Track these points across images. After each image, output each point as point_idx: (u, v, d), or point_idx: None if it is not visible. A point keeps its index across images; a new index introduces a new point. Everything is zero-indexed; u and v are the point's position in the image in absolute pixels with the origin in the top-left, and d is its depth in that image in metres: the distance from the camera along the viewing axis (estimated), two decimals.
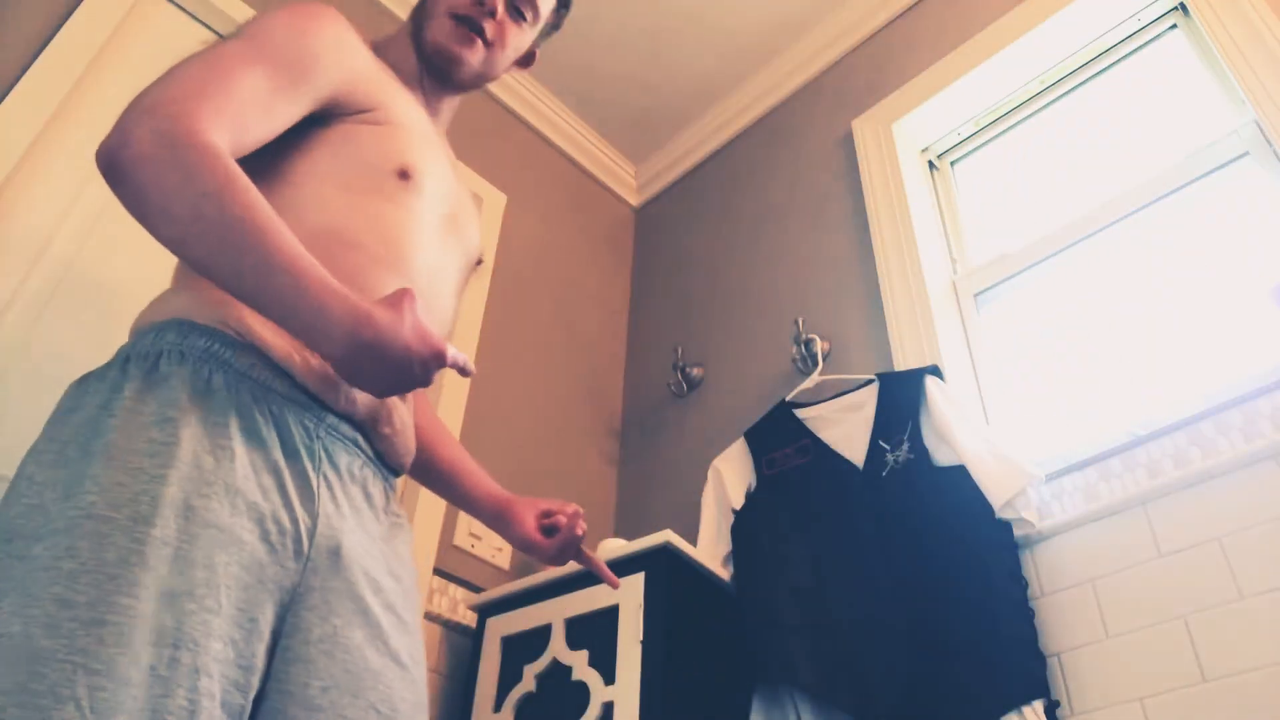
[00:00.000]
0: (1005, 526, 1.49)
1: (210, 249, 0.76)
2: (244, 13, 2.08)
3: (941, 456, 1.61)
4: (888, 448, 1.67)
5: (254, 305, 0.78)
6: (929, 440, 1.64)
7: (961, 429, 1.61)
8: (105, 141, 0.79)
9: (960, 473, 1.56)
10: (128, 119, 0.79)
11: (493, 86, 2.71)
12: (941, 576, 1.46)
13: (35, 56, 1.68)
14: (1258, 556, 1.28)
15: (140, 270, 1.70)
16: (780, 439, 1.85)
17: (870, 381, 1.81)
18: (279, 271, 0.76)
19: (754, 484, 1.84)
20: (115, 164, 0.78)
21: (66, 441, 0.77)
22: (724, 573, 1.67)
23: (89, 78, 1.77)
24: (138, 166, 0.77)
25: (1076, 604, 1.42)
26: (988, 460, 1.55)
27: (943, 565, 1.47)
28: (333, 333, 0.76)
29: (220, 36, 2.07)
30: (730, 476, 1.89)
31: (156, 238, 0.79)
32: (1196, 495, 1.37)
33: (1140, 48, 2.04)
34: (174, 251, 0.81)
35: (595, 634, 1.53)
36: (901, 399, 1.72)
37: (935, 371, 1.74)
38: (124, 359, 0.83)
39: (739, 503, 1.83)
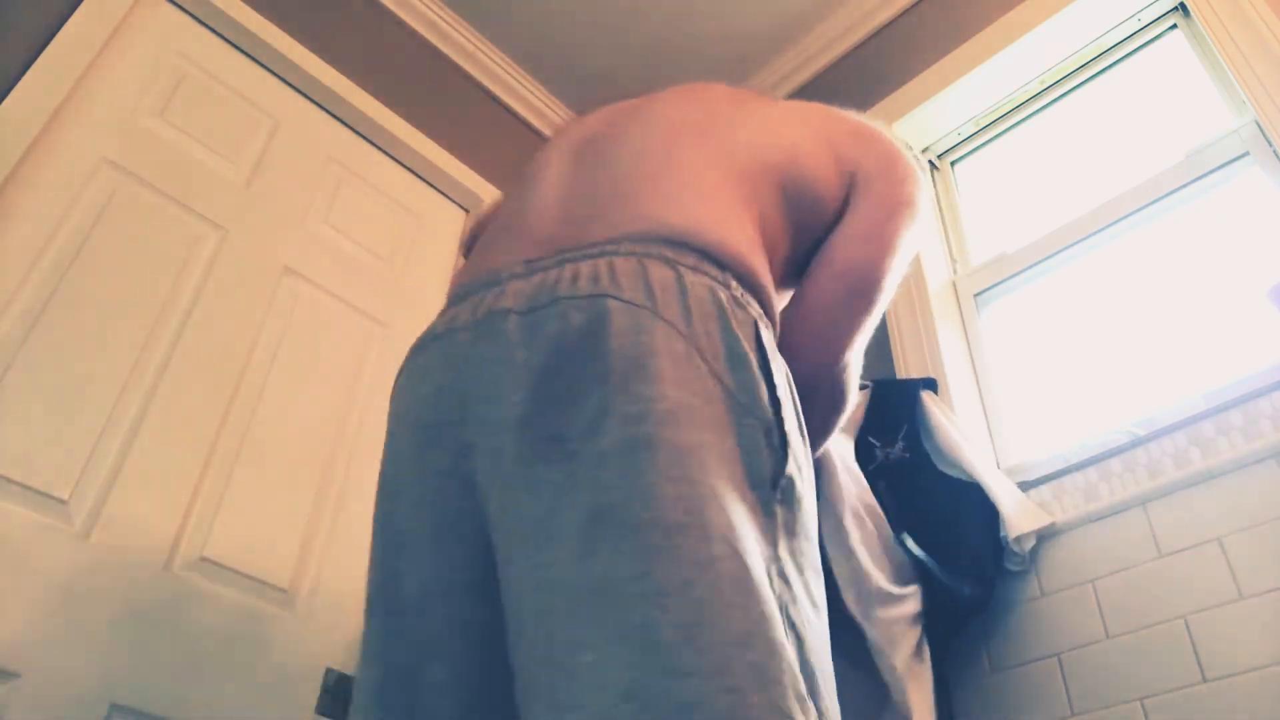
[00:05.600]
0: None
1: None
2: (244, 13, 2.08)
3: (946, 468, 1.60)
4: (877, 444, 1.66)
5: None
6: (930, 448, 1.63)
7: (975, 454, 1.59)
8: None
9: (970, 487, 1.55)
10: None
11: (494, 87, 2.71)
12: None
13: (35, 56, 1.68)
14: (1258, 556, 1.27)
15: (139, 270, 1.70)
16: None
17: (864, 387, 1.80)
18: None
19: None
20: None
21: None
22: None
23: (89, 78, 1.77)
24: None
25: (1076, 604, 1.41)
26: (1008, 490, 1.54)
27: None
28: None
29: (222, 38, 2.07)
30: None
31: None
32: (1196, 495, 1.37)
33: (1140, 48, 2.04)
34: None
35: None
36: (896, 404, 1.71)
37: (931, 385, 1.73)
38: None
39: None
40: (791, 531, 0.70)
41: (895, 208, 1.00)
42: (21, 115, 1.60)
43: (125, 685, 1.39)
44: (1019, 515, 1.49)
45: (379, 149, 2.31)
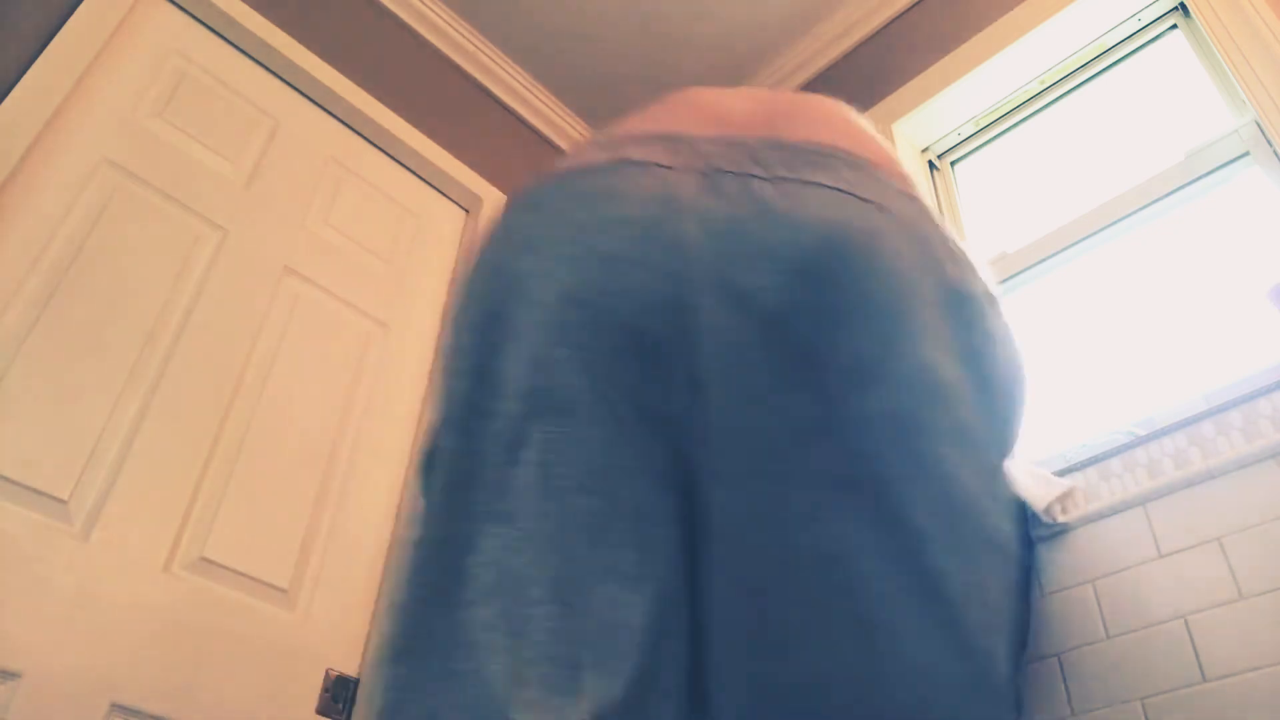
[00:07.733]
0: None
1: None
2: (244, 13, 2.08)
3: None
4: None
5: None
6: None
7: None
8: None
9: None
10: None
11: (494, 87, 2.71)
12: None
13: (35, 56, 1.68)
14: (1258, 556, 1.27)
15: (140, 270, 1.71)
16: None
17: None
18: None
19: None
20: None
21: None
22: None
23: (89, 78, 1.77)
24: None
25: (1076, 604, 1.41)
26: (1021, 468, 1.54)
27: None
28: None
29: (222, 38, 2.07)
30: None
31: None
32: (1196, 495, 1.37)
33: (1140, 48, 2.04)
34: None
35: None
36: None
37: None
38: None
39: None
40: None
41: None
42: (21, 115, 1.60)
43: (125, 685, 1.39)
44: (1035, 492, 1.50)
45: (379, 149, 2.31)
